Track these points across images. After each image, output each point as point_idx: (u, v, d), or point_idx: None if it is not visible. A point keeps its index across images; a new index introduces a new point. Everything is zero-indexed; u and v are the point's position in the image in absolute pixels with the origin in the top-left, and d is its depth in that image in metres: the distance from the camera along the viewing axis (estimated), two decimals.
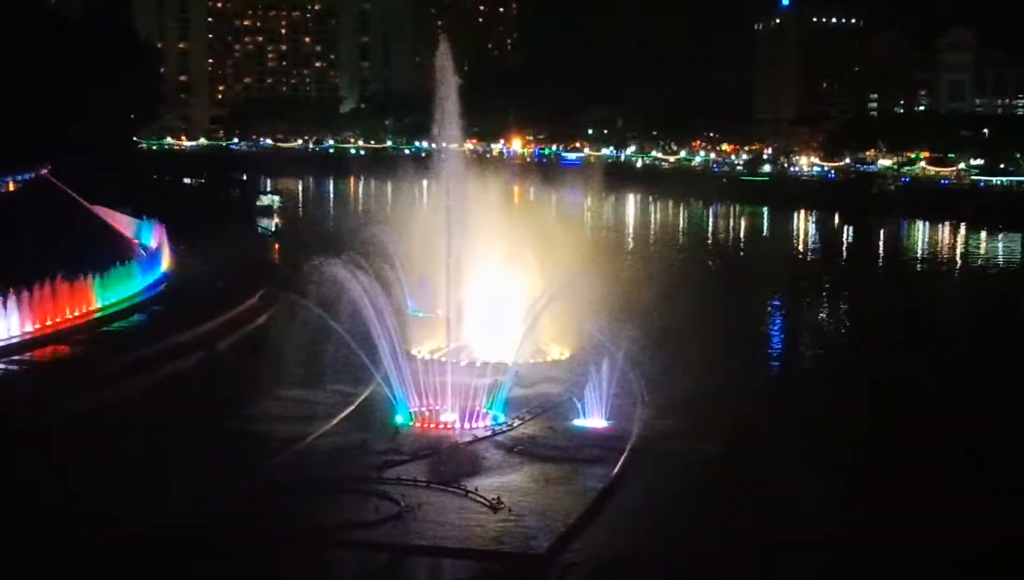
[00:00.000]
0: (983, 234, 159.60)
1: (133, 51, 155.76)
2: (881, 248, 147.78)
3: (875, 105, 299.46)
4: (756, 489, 39.03)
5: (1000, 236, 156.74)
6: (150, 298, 72.30)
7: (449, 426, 45.56)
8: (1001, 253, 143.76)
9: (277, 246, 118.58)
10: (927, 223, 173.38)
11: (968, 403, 52.31)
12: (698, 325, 63.13)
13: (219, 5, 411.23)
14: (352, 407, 47.03)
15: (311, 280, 49.25)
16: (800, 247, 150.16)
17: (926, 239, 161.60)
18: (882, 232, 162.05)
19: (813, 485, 38.97)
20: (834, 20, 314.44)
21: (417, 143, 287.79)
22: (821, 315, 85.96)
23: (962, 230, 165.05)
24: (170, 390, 52.96)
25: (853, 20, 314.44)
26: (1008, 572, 33.43)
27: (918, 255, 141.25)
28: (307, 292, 49.34)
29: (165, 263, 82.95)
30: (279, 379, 49.03)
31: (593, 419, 46.14)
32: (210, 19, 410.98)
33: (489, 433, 44.95)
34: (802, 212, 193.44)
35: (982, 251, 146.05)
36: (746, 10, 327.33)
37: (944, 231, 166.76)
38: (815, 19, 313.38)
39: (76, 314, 62.93)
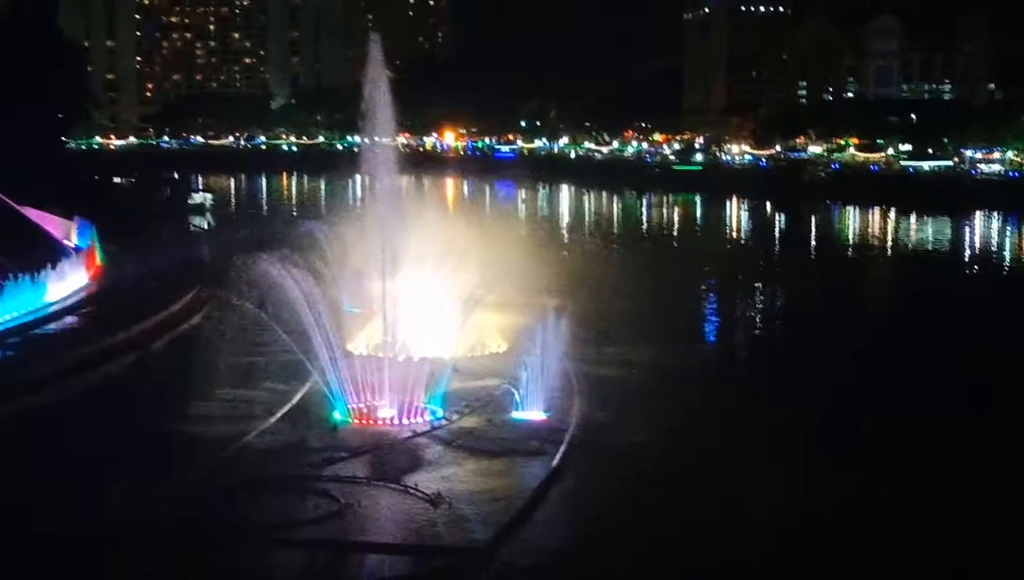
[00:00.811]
0: (912, 218, 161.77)
1: (59, 50, 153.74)
2: (812, 234, 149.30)
3: (804, 93, 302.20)
4: (696, 479, 39.27)
5: (928, 220, 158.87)
6: (82, 299, 71.62)
7: (387, 422, 45.44)
8: (930, 236, 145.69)
9: (210, 244, 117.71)
10: (857, 208, 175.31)
11: (905, 384, 52.91)
12: (635, 316, 63.49)
13: (146, 2, 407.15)
14: (289, 405, 46.75)
15: (245, 278, 48.88)
16: (733, 235, 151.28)
17: (856, 224, 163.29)
18: (813, 218, 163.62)
19: (754, 475, 39.22)
20: (762, 9, 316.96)
21: (349, 138, 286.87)
22: (756, 302, 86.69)
23: (892, 215, 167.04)
24: (104, 392, 52.39)
25: (781, 8, 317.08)
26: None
27: (848, 240, 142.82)
28: (241, 290, 48.98)
29: (96, 263, 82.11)
30: (215, 379, 48.62)
31: (532, 411, 46.18)
32: (137, 16, 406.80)
33: (428, 428, 44.88)
34: (735, 200, 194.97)
35: (912, 235, 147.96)
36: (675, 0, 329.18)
37: (874, 216, 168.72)
38: (743, 8, 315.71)
39: (7, 317, 62.20)
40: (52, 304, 67.72)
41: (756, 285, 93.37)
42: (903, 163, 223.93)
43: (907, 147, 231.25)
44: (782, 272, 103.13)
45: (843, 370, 55.17)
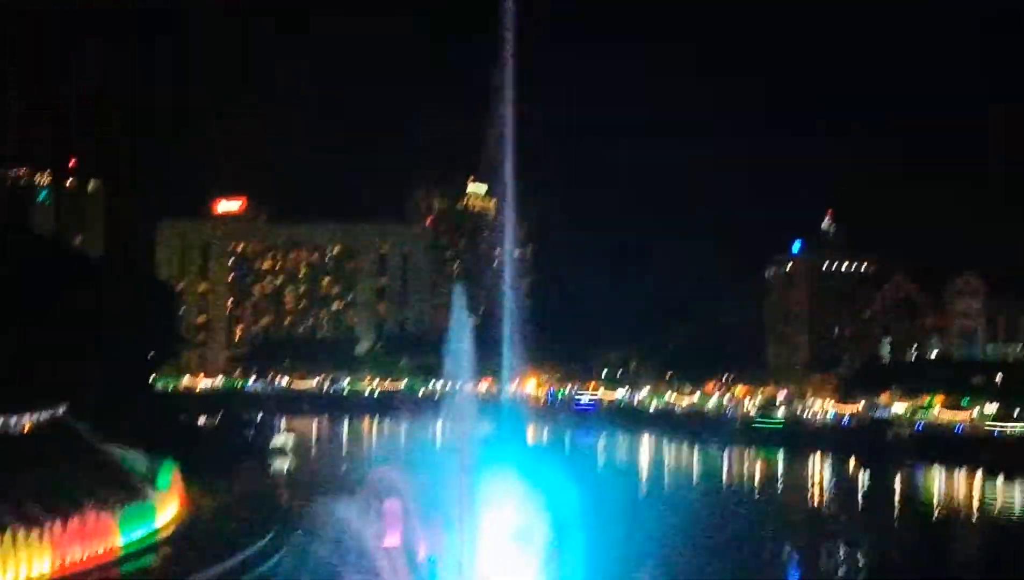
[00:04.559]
0: (999, 481, 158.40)
1: (153, 292, 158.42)
2: (897, 495, 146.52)
3: (888, 350, 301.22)
4: None
5: (1017, 483, 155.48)
6: (161, 539, 71.93)
7: None
8: (1018, 500, 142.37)
9: (289, 486, 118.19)
10: (943, 469, 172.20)
11: None
12: (715, 571, 62.34)
13: (239, 248, 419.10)
14: None
15: (321, 521, 48.93)
16: (816, 493, 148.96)
17: (941, 486, 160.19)
18: (898, 478, 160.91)
19: None
20: (843, 266, 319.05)
21: (432, 383, 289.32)
22: (840, 566, 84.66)
23: (978, 476, 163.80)
24: None
25: (863, 267, 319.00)
26: None
27: (933, 502, 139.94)
28: (316, 533, 48.97)
29: (178, 503, 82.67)
30: None
31: None
32: (230, 261, 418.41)
33: None
34: (818, 456, 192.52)
35: (999, 499, 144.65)
36: (757, 256, 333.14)
37: (960, 478, 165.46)
38: (825, 266, 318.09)
39: (87, 555, 62.52)
40: (130, 543, 67.99)
41: (841, 550, 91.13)
42: (989, 425, 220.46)
43: (993, 408, 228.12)
44: (866, 537, 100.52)
45: None
